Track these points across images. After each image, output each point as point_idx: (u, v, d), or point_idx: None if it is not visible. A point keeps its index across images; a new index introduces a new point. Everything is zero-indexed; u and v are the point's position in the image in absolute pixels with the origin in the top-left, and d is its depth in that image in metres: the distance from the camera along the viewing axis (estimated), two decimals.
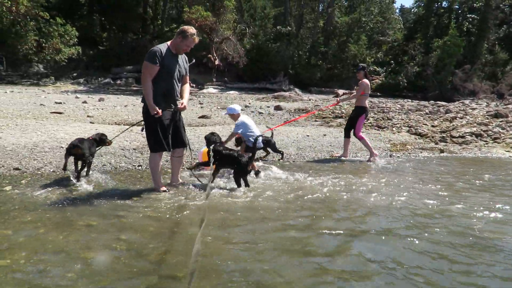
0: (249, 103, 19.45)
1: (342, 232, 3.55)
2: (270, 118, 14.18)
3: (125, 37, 34.68)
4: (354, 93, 7.68)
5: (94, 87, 25.68)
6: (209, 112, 14.73)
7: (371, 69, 39.34)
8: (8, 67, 26.21)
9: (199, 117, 12.97)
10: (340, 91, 30.20)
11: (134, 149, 6.70)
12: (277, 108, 17.15)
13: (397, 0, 64.01)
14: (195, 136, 8.19)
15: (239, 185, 4.78)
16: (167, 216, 3.75)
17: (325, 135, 9.95)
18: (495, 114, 12.61)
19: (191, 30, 4.40)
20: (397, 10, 57.64)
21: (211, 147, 4.95)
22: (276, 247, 3.14)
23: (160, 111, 4.15)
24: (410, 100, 23.99)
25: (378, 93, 32.26)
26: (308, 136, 9.66)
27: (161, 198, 4.28)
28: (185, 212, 3.89)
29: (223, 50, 30.37)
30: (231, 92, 27.89)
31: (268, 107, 17.93)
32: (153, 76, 4.20)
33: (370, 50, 39.80)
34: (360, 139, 7.52)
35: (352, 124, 7.58)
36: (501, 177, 6.14)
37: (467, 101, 19.36)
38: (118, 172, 5.45)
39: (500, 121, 11.62)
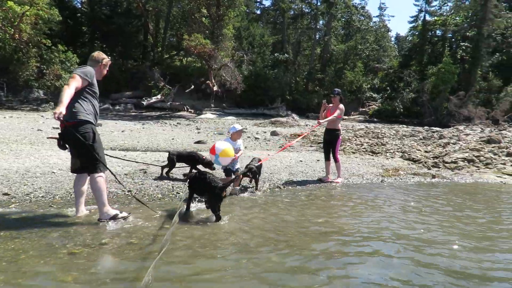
0: (246, 128, 19.59)
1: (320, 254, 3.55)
2: (266, 143, 14.27)
3: (125, 63, 35.32)
4: (331, 117, 7.66)
5: None
6: (205, 137, 14.82)
7: (368, 95, 39.91)
8: (8, 93, 26.55)
9: (195, 142, 13.04)
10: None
11: (125, 174, 6.73)
12: (273, 133, 17.29)
13: (392, 28, 65.86)
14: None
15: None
16: (148, 242, 3.75)
17: (318, 160, 9.99)
18: (487, 140, 12.70)
19: (103, 54, 4.45)
20: (393, 38, 59.02)
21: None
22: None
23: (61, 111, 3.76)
24: (405, 126, 24.20)
25: (375, 119, 32.61)
26: (301, 161, 9.70)
27: (145, 225, 4.27)
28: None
29: (222, 76, 30.91)
30: (229, 117, 28.18)
31: (265, 132, 18.08)
32: (79, 88, 4.05)
33: (366, 76, 40.52)
34: (338, 161, 7.64)
35: (332, 147, 7.70)
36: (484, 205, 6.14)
37: (461, 127, 19.53)
38: (109, 198, 5.45)
39: (493, 147, 11.69)
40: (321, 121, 7.69)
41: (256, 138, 15.38)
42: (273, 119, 25.55)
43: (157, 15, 37.80)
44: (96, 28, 34.39)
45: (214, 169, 6.77)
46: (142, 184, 6.22)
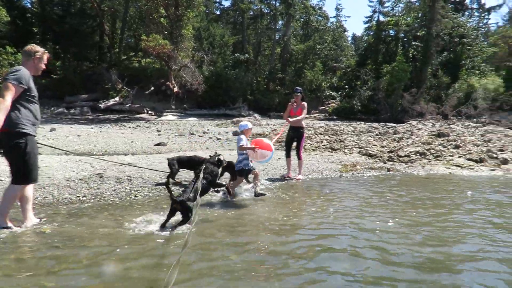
0: (208, 129, 19.49)
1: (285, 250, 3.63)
2: (228, 143, 14.26)
3: (81, 65, 33.98)
4: (302, 116, 7.90)
5: (46, 117, 24.70)
6: (166, 139, 14.59)
7: (327, 94, 40.90)
8: None
9: (155, 145, 12.80)
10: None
11: (80, 179, 6.51)
12: (235, 133, 17.30)
13: (349, 28, 67.94)
14: (147, 164, 8.07)
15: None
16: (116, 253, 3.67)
17: (279, 158, 10.14)
18: (438, 134, 13.43)
19: (36, 47, 4.18)
20: (349, 38, 60.83)
21: None
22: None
23: None
24: (363, 123, 25.03)
25: (335, 117, 33.47)
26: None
27: (114, 235, 4.17)
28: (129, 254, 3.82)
29: (182, 77, 30.51)
30: (191, 118, 27.88)
31: (227, 132, 18.07)
32: (15, 97, 3.85)
33: (325, 75, 41.50)
34: (300, 158, 7.84)
35: (296, 144, 7.88)
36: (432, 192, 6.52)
37: (414, 122, 20.48)
38: (62, 204, 5.26)
39: (442, 140, 12.38)
40: (291, 119, 7.87)
41: (218, 139, 15.34)
42: (235, 119, 25.58)
43: (113, 15, 36.63)
44: (47, 28, 32.80)
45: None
46: (98, 189, 6.04)
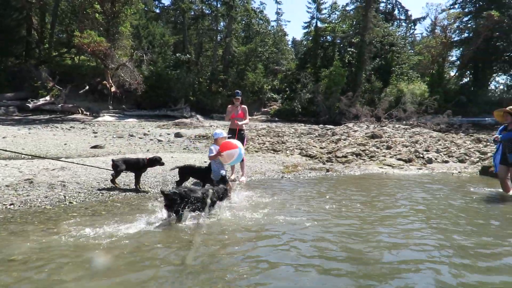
0: (149, 131, 18.92)
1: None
2: (170, 145, 13.97)
3: (5, 61, 31.17)
4: (247, 120, 8.19)
5: None
6: (103, 141, 13.92)
7: (269, 96, 41.64)
8: None
9: (92, 147, 12.15)
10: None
11: (7, 185, 5.98)
12: (177, 135, 17.00)
13: (289, 32, 69.80)
14: (82, 168, 7.63)
15: None
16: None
17: None
18: (371, 135, 14.29)
19: None
20: (289, 42, 62.48)
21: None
22: None
23: None
24: (303, 124, 25.87)
25: (276, 118, 34.16)
26: (205, 162, 9.71)
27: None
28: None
29: (120, 76, 29.27)
30: (130, 119, 26.83)
31: (168, 134, 17.67)
32: None
33: (267, 78, 42.21)
34: (243, 160, 7.99)
35: None
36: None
37: (351, 124, 21.58)
38: None
39: (376, 141, 13.20)
40: (239, 122, 7.99)
41: (159, 141, 14.96)
42: (177, 121, 25.10)
43: (42, 8, 34.02)
44: None
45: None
46: (27, 195, 5.60)
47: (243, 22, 48.20)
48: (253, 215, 5.08)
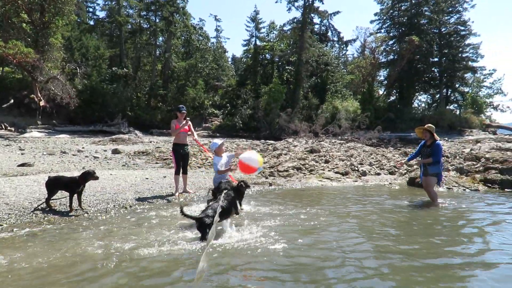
0: (83, 147, 17.90)
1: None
2: (107, 162, 13.34)
3: None
4: (196, 137, 8.35)
5: None
6: (32, 159, 12.90)
7: (210, 111, 41.63)
8: None
9: (19, 165, 11.20)
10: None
11: None
12: (115, 151, 16.31)
13: (228, 49, 70.87)
14: (11, 188, 7.03)
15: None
16: None
17: (165, 176, 9.92)
18: (310, 150, 14.86)
19: None
20: (229, 59, 63.20)
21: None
22: None
23: None
24: (245, 140, 26.16)
25: (217, 134, 34.13)
26: (147, 178, 9.45)
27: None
28: None
29: (50, 90, 27.51)
30: (61, 135, 25.21)
31: (105, 150, 16.88)
32: None
33: (207, 93, 42.20)
34: (186, 173, 8.34)
35: (186, 161, 8.26)
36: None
37: (290, 139, 22.26)
38: None
39: (314, 156, 13.76)
40: (195, 136, 8.26)
41: (95, 157, 14.23)
42: (114, 136, 24.05)
43: None
44: None
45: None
46: None
47: (183, 38, 47.97)
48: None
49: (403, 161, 8.47)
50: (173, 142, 8.18)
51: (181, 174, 8.12)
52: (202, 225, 4.55)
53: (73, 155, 14.73)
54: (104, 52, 38.12)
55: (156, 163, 13.70)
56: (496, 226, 5.67)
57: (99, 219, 5.77)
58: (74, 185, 6.20)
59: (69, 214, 6.01)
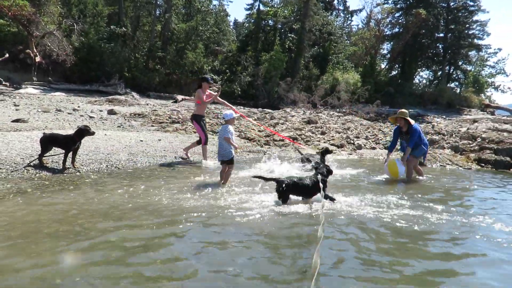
0: (79, 106, 17.71)
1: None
2: (103, 122, 13.26)
3: None
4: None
5: None
6: (26, 115, 12.78)
7: (210, 76, 41.02)
8: None
9: (13, 121, 11.11)
10: (180, 97, 30.47)
11: None
12: (111, 112, 16.16)
13: (231, 13, 68.83)
14: (3, 143, 6.98)
15: None
16: None
17: (160, 140, 9.90)
18: (308, 121, 14.82)
19: None
20: (231, 23, 61.60)
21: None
22: None
23: None
24: (243, 107, 25.98)
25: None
26: (141, 141, 9.42)
27: None
28: None
29: (46, 46, 26.88)
30: (57, 93, 24.87)
31: (101, 111, 16.73)
32: None
33: (207, 58, 41.41)
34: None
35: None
36: None
37: (288, 109, 22.16)
38: None
39: (311, 127, 13.72)
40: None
41: (90, 117, 14.12)
42: (110, 97, 23.74)
43: None
44: None
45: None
46: None
47: None
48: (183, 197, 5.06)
49: (386, 158, 7.74)
50: (197, 114, 8.06)
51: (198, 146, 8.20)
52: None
53: (68, 113, 14.60)
54: (102, 9, 36.88)
55: (152, 125, 13.63)
56: (450, 200, 5.70)
57: (91, 178, 5.78)
58: (70, 143, 6.18)
59: (62, 171, 6.02)
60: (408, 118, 7.36)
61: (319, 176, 5.05)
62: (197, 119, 7.97)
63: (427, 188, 6.68)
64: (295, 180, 4.89)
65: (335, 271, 3.02)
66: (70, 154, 6.23)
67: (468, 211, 5.07)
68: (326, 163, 5.97)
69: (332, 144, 11.56)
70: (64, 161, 6.18)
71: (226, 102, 8.56)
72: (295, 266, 3.11)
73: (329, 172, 5.39)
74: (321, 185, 4.84)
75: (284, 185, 4.75)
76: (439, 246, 3.71)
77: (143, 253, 3.18)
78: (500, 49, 46.82)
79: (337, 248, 3.51)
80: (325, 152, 6.73)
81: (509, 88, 47.12)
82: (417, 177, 7.46)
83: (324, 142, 11.82)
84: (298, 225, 4.10)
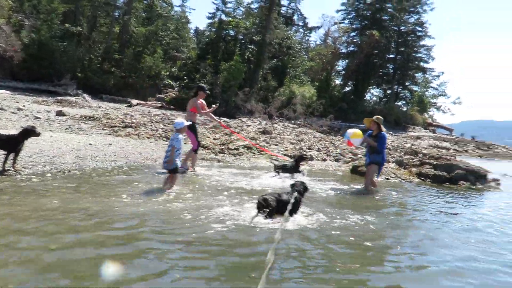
0: (24, 106, 16.81)
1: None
2: (49, 124, 12.72)
3: None
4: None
5: None
6: None
7: (166, 82, 40.52)
8: None
9: None
10: (134, 101, 29.79)
11: None
12: (60, 113, 15.53)
13: (192, 21, 68.49)
14: None
15: None
16: None
17: (110, 144, 9.67)
18: (263, 131, 15.09)
19: None
20: (192, 30, 61.34)
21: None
22: None
23: None
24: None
25: (172, 106, 33.42)
26: (91, 144, 9.16)
27: None
28: None
29: None
30: (1, 91, 23.40)
31: (49, 111, 16.00)
32: None
33: (165, 63, 40.91)
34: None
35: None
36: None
37: (245, 119, 22.37)
38: None
39: (266, 137, 13.99)
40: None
41: (36, 118, 13.49)
42: (59, 98, 22.76)
43: None
44: None
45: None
46: None
47: (145, 2, 45.76)
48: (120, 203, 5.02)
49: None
50: (192, 121, 8.11)
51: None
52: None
53: (12, 112, 13.85)
54: (58, 6, 35.31)
55: (103, 129, 13.25)
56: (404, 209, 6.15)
57: (33, 181, 5.56)
58: (13, 143, 5.91)
59: (1, 173, 5.74)
60: (381, 125, 7.85)
61: (296, 194, 4.92)
62: (190, 127, 7.96)
63: (377, 200, 7.07)
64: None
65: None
66: (11, 155, 5.96)
67: (399, 219, 5.44)
68: (300, 169, 6.13)
69: (285, 155, 11.85)
70: (4, 163, 5.89)
71: (214, 117, 8.76)
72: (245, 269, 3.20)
73: (305, 189, 5.28)
74: (292, 201, 4.66)
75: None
76: (387, 252, 3.98)
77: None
78: (442, 73, 50.31)
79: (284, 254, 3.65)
80: (299, 159, 6.93)
81: (449, 109, 50.68)
82: (372, 188, 7.86)
83: (278, 152, 12.10)
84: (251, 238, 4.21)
